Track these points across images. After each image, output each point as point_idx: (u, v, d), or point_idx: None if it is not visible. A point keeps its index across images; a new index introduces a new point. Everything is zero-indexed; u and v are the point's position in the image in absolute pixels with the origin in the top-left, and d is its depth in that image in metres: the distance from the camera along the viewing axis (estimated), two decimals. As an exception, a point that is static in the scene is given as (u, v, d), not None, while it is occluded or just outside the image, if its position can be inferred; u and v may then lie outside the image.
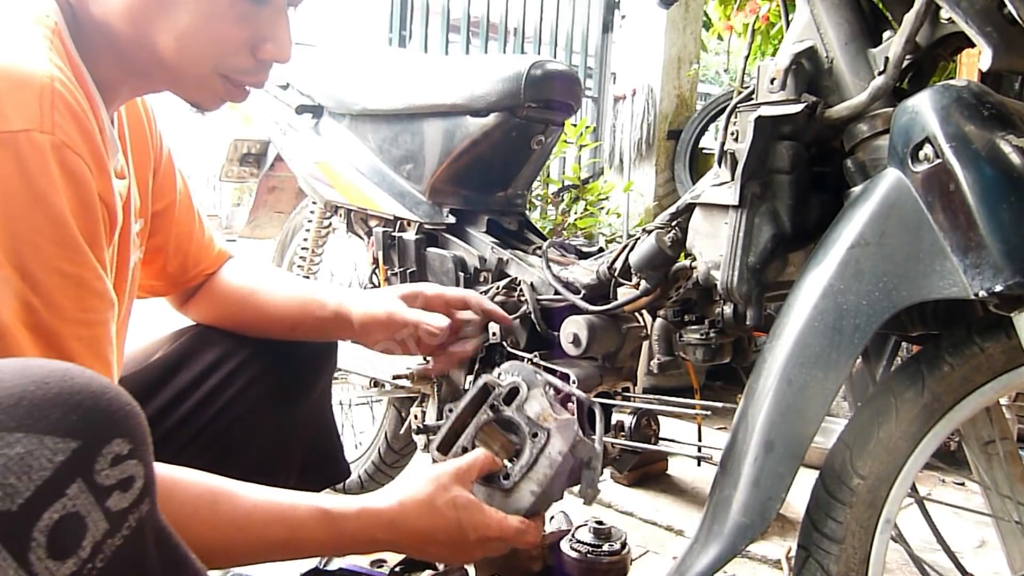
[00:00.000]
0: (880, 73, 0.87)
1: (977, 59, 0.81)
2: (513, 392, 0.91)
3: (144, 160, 0.93)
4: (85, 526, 0.49)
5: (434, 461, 0.91)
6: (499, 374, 0.95)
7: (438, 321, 1.07)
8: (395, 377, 1.42)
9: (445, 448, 0.92)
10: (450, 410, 0.95)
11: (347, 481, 1.87)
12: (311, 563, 1.19)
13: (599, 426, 0.94)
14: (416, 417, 1.41)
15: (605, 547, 1.09)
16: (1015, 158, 0.73)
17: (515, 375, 0.93)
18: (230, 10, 0.75)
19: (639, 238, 1.12)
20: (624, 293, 1.16)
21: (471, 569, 1.14)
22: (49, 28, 0.69)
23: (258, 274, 1.14)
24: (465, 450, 0.90)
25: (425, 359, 1.31)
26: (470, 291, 1.17)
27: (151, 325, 1.11)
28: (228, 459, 1.02)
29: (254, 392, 1.07)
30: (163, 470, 0.71)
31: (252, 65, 0.79)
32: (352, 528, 0.78)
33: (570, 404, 1.16)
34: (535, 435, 0.85)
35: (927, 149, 0.77)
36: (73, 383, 0.51)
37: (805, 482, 0.88)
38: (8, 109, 0.61)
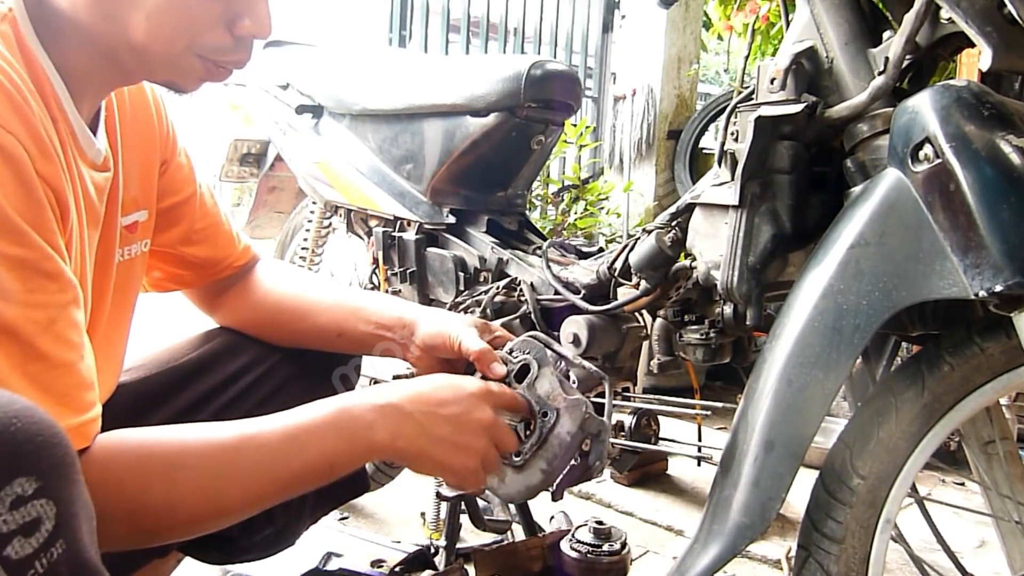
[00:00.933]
0: (880, 73, 0.88)
1: (977, 59, 0.81)
2: (524, 370, 0.90)
3: (148, 151, 0.91)
4: None
5: None
6: (511, 350, 0.94)
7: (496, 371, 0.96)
8: (395, 377, 1.42)
9: None
10: None
11: (347, 481, 1.87)
12: (311, 563, 1.19)
13: (608, 401, 0.95)
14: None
15: (605, 547, 1.09)
16: (1015, 158, 0.73)
17: (527, 352, 0.92)
18: None
19: (639, 238, 1.12)
20: (624, 293, 1.16)
21: (471, 569, 1.14)
22: None
23: (299, 279, 1.12)
24: None
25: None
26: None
27: (177, 324, 1.10)
28: None
29: (280, 399, 1.02)
30: (166, 439, 0.69)
31: (229, 43, 0.76)
32: (357, 403, 0.75)
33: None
34: (544, 415, 0.86)
35: (927, 149, 0.77)
36: None
37: (805, 482, 0.88)
38: None
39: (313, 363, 1.09)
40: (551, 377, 0.88)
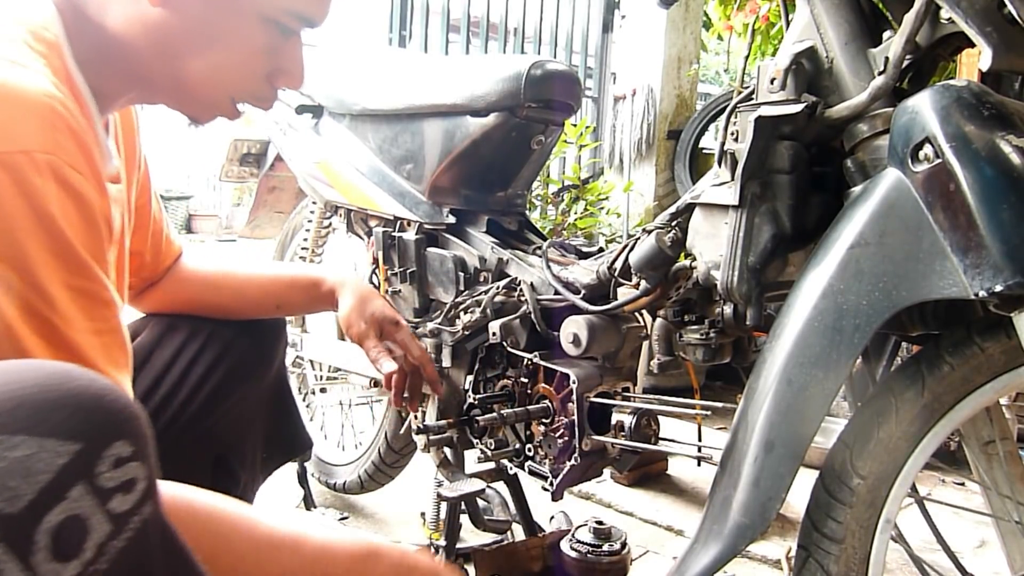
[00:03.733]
0: (880, 73, 0.87)
1: (977, 59, 0.81)
2: None
3: (132, 160, 0.96)
4: (88, 528, 0.49)
5: None
6: None
7: (386, 369, 1.18)
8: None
9: None
10: None
11: (347, 481, 1.87)
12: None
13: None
14: (416, 417, 1.41)
15: (605, 547, 1.10)
16: (1015, 158, 0.73)
17: None
18: (263, 43, 0.78)
19: (639, 238, 1.12)
20: (624, 293, 1.16)
21: (471, 569, 1.14)
22: (46, 43, 0.70)
23: (226, 259, 1.20)
24: None
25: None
26: (426, 357, 1.26)
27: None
28: (204, 441, 1.07)
29: (219, 372, 1.10)
30: (225, 512, 0.71)
31: (267, 92, 0.83)
32: (383, 552, 0.77)
33: (569, 405, 1.16)
34: None
35: (927, 149, 0.77)
36: (74, 386, 0.51)
37: (805, 482, 0.88)
38: (8, 130, 0.62)
39: (242, 330, 1.16)
40: None
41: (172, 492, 0.68)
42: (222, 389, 1.10)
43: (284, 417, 1.26)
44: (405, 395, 1.25)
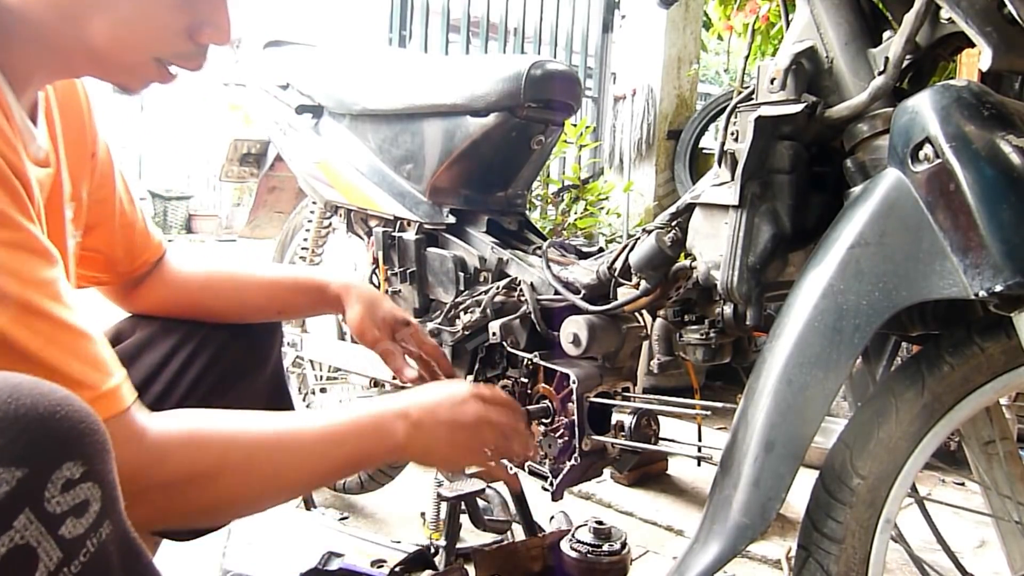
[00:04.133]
0: (880, 73, 0.88)
1: (977, 59, 0.81)
2: None
3: (80, 146, 0.91)
4: (36, 557, 0.47)
5: None
6: None
7: (409, 376, 1.19)
8: (395, 377, 1.41)
9: None
10: None
11: (347, 481, 1.87)
12: (311, 563, 1.19)
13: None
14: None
15: (605, 547, 1.10)
16: (1015, 158, 0.73)
17: None
18: None
19: (639, 238, 1.12)
20: (624, 293, 1.16)
21: (471, 569, 1.14)
22: None
23: (223, 260, 1.19)
24: None
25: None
26: (438, 351, 1.25)
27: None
28: None
29: (213, 372, 1.09)
30: (220, 424, 0.74)
31: (191, 50, 0.76)
32: (381, 411, 0.83)
33: (569, 405, 1.16)
34: None
35: (927, 149, 0.77)
36: (18, 406, 0.49)
37: (805, 482, 0.88)
38: None
39: (237, 328, 1.15)
40: None
41: (165, 424, 0.70)
42: (217, 389, 1.08)
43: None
44: None
